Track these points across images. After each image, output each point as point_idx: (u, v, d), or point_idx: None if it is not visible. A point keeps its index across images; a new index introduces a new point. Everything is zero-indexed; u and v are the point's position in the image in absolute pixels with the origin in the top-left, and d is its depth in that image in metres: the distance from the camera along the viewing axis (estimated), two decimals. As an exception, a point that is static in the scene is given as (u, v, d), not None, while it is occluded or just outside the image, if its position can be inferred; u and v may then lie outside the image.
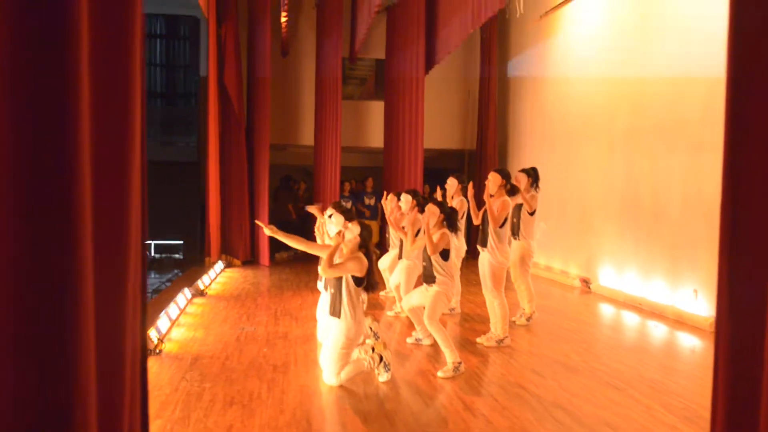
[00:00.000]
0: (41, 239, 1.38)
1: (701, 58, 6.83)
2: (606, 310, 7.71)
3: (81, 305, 1.43)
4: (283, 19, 10.67)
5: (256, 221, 6.23)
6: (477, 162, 12.21)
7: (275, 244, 11.71)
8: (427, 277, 5.23)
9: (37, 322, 1.37)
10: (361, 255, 4.64)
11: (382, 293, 8.10)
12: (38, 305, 1.37)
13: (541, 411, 4.26)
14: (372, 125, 12.60)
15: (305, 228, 10.37)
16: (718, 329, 1.71)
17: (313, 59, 11.63)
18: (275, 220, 12.44)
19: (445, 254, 5.15)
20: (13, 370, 1.35)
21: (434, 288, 5.14)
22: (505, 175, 5.99)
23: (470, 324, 6.73)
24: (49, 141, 1.37)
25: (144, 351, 1.90)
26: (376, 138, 12.39)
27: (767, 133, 1.59)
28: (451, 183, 7.01)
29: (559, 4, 9.76)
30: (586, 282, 8.95)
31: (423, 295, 5.30)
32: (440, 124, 12.57)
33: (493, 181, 5.92)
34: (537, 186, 6.61)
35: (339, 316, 4.66)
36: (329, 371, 4.67)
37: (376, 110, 12.43)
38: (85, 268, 1.45)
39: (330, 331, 4.87)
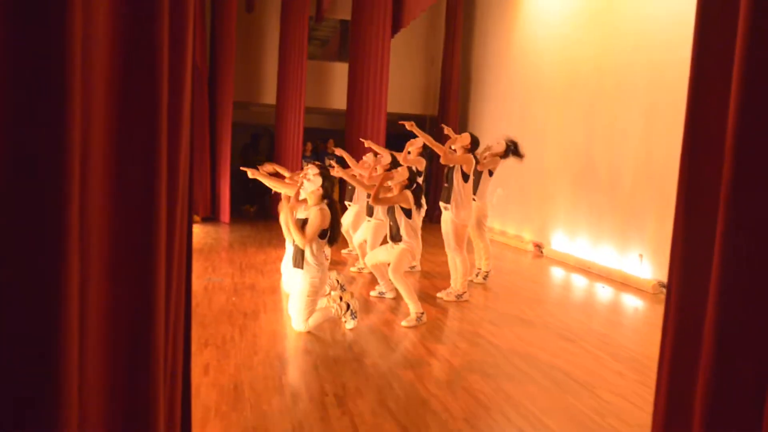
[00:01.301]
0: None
1: (660, 29, 7.15)
2: (557, 273, 8.12)
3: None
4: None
5: (242, 168, 6.38)
6: (437, 126, 12.41)
7: (237, 201, 11.83)
8: (394, 236, 5.44)
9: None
10: (324, 206, 4.80)
11: (344, 251, 8.29)
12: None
13: (498, 357, 4.56)
14: (335, 86, 12.61)
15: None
16: (671, 283, 1.86)
17: (278, 16, 11.51)
18: (242, 176, 12.60)
19: (407, 213, 5.37)
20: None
21: (400, 245, 5.36)
22: (475, 141, 6.21)
23: (430, 281, 7.00)
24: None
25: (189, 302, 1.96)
26: (338, 99, 12.42)
27: (723, 109, 1.68)
28: (415, 143, 7.20)
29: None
30: (539, 246, 9.35)
31: (388, 252, 5.52)
32: (403, 88, 12.69)
33: (462, 138, 6.14)
34: (509, 156, 6.85)
35: (302, 267, 4.83)
36: (298, 318, 4.85)
37: (339, 71, 12.43)
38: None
39: (295, 281, 5.04)
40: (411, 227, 5.38)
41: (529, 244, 9.57)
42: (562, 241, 8.98)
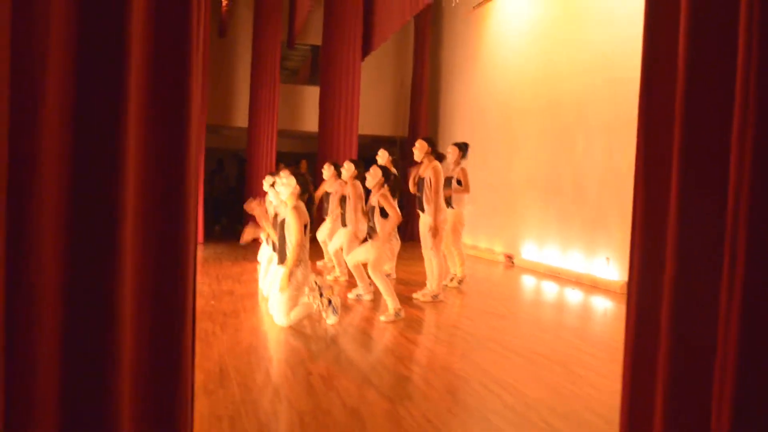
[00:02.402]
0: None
1: (620, 47, 7.56)
2: (528, 280, 8.33)
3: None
4: (224, 1, 10.78)
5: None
6: (408, 148, 12.69)
7: (209, 221, 11.97)
8: (371, 236, 5.60)
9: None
10: (298, 204, 4.95)
11: (319, 263, 8.39)
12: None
13: (475, 344, 4.71)
14: (307, 110, 12.85)
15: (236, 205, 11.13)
16: (630, 279, 2.04)
17: (250, 42, 11.76)
18: (211, 199, 12.88)
19: (383, 213, 5.54)
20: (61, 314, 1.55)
21: (375, 244, 5.52)
22: (431, 143, 6.45)
23: (406, 286, 7.13)
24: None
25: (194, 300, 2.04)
26: (310, 122, 12.65)
27: (672, 127, 1.85)
28: (382, 154, 7.39)
29: (490, -3, 10.39)
30: (509, 258, 9.58)
31: (367, 250, 5.65)
32: (374, 111, 12.98)
33: (419, 148, 6.37)
34: (465, 157, 7.10)
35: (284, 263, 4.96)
36: (279, 312, 4.94)
37: (311, 95, 12.68)
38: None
39: (276, 278, 5.15)
40: (389, 226, 5.54)
41: (501, 256, 9.79)
42: (532, 250, 9.23)
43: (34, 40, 1.44)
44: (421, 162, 6.40)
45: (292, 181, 5.02)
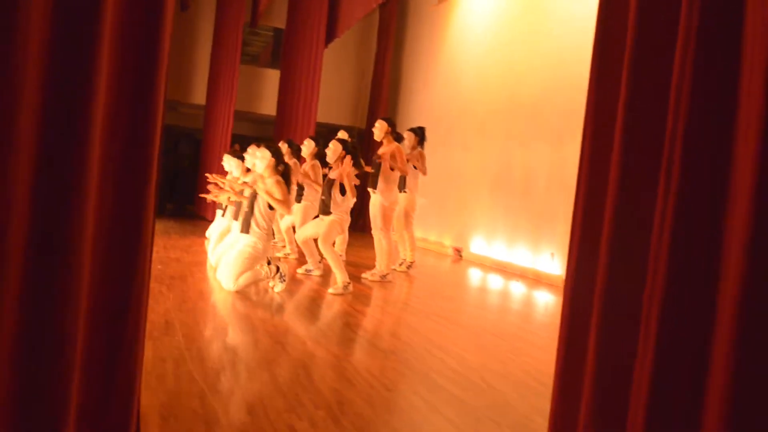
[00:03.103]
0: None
1: (577, 46, 7.83)
2: (475, 273, 8.50)
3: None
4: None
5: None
6: (366, 139, 12.76)
7: (162, 198, 11.72)
8: (325, 211, 5.63)
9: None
10: (279, 177, 4.97)
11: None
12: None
13: (421, 317, 4.79)
14: (265, 92, 12.75)
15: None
16: (568, 274, 2.17)
17: (212, 18, 11.61)
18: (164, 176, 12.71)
19: (342, 189, 5.57)
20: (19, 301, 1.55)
21: (330, 217, 5.55)
22: (391, 123, 6.53)
23: (356, 269, 7.17)
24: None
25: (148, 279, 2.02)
26: (268, 105, 12.56)
27: (614, 131, 1.97)
28: (342, 133, 7.37)
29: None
30: (458, 251, 9.75)
31: (317, 225, 5.68)
32: (333, 99, 12.99)
33: (380, 128, 6.44)
34: (422, 144, 7.20)
35: (248, 232, 4.94)
36: (228, 276, 4.91)
37: (270, 78, 12.60)
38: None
39: (232, 247, 5.12)
40: (344, 204, 5.58)
41: (450, 249, 9.95)
42: (480, 244, 9.42)
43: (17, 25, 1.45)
44: (380, 143, 6.46)
45: (267, 153, 5.03)
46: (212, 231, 6.91)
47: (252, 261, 4.94)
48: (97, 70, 1.60)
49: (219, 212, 7.16)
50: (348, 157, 5.54)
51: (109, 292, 1.81)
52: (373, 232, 6.43)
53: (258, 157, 5.10)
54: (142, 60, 1.79)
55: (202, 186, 11.77)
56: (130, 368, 1.86)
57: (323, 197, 5.71)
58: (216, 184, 6.34)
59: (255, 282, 5.05)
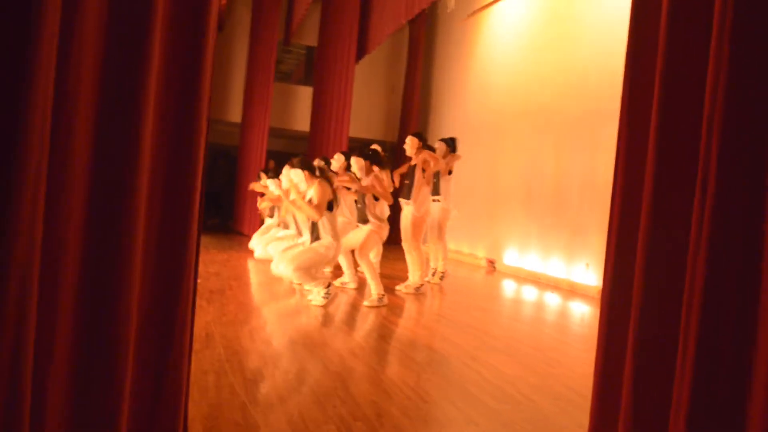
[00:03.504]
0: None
1: (609, 60, 7.80)
2: (509, 284, 8.47)
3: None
4: (224, -6, 10.92)
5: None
6: (397, 153, 12.86)
7: (205, 214, 12.10)
8: (361, 219, 5.71)
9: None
10: (321, 179, 5.09)
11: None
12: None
13: (456, 329, 4.82)
14: (299, 109, 12.97)
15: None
16: (604, 286, 2.17)
17: (247, 38, 11.90)
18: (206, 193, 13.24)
19: (375, 197, 5.66)
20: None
21: (368, 226, 5.62)
22: (422, 138, 6.59)
23: (390, 281, 7.23)
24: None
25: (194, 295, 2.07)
26: (301, 122, 12.78)
27: (648, 138, 1.98)
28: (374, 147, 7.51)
29: (485, 5, 10.64)
30: (491, 262, 9.73)
31: (356, 235, 5.75)
32: (365, 114, 13.14)
33: (410, 144, 6.51)
34: (454, 149, 7.24)
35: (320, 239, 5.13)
36: (289, 262, 5.04)
37: (304, 95, 12.82)
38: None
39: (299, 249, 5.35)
40: (380, 211, 5.65)
41: (483, 260, 9.94)
42: (513, 256, 9.39)
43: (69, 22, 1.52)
44: (412, 157, 6.52)
45: (298, 171, 5.22)
46: (256, 244, 7.23)
47: (319, 260, 5.06)
48: (146, 94, 1.68)
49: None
50: (376, 170, 5.66)
51: (158, 305, 1.89)
52: (403, 243, 6.48)
53: (293, 176, 5.25)
54: (189, 79, 1.86)
55: (240, 202, 12.04)
56: (177, 380, 1.93)
57: (359, 205, 5.79)
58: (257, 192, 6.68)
59: (307, 280, 5.11)
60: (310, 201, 5.12)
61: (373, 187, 5.55)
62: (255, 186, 7.01)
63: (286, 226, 7.67)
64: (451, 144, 7.21)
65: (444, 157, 7.12)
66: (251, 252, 8.47)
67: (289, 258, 5.11)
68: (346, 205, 6.74)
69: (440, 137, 12.28)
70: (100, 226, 1.65)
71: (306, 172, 5.19)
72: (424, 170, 6.31)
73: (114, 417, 1.67)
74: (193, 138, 1.86)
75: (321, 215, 5.07)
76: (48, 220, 1.48)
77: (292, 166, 5.55)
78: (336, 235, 5.18)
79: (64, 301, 1.59)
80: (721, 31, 1.68)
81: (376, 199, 5.62)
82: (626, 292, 2.03)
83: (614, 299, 2.12)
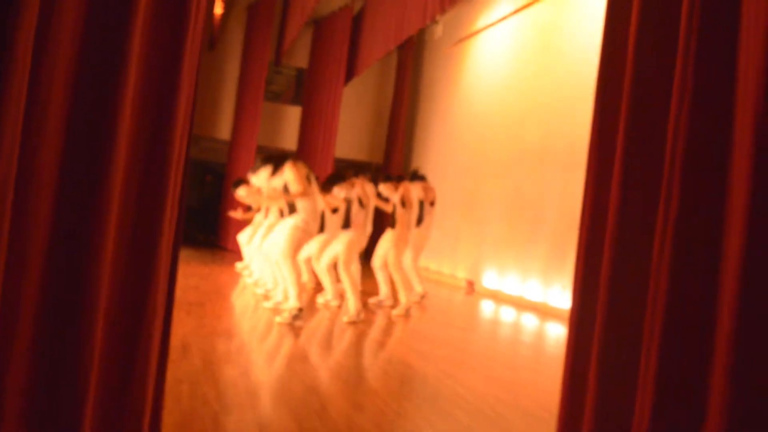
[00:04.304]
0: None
1: (589, 90, 8.04)
2: (487, 305, 8.60)
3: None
4: (218, 10, 11.11)
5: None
6: (382, 174, 13.04)
7: (193, 229, 12.13)
8: (345, 225, 5.83)
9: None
10: (291, 162, 5.14)
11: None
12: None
13: (435, 346, 4.92)
14: (287, 128, 13.14)
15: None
16: (571, 310, 2.24)
17: (239, 57, 12.08)
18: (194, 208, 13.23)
19: (360, 202, 5.78)
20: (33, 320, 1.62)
21: (348, 235, 5.70)
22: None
23: (368, 297, 7.32)
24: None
25: (170, 306, 2.07)
26: (289, 140, 12.93)
27: (615, 159, 2.07)
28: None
29: (471, 34, 10.92)
30: (471, 284, 9.85)
31: (335, 247, 5.82)
32: (352, 135, 13.31)
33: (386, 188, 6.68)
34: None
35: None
36: (281, 246, 5.08)
37: (292, 114, 12.99)
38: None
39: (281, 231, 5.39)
40: (359, 214, 5.75)
41: (462, 281, 10.07)
42: (492, 278, 9.53)
43: (48, 44, 1.55)
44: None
45: (266, 165, 5.27)
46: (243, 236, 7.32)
47: (302, 236, 5.08)
48: (122, 104, 1.70)
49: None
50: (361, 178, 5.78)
51: (125, 318, 1.86)
52: (390, 269, 6.49)
53: (255, 181, 5.28)
54: (164, 95, 1.87)
55: (225, 218, 12.11)
56: (141, 391, 1.89)
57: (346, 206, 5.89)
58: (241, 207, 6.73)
59: (287, 281, 5.13)
60: (285, 187, 5.12)
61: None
62: (235, 214, 7.13)
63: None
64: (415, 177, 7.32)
65: (425, 187, 7.24)
66: (233, 266, 8.54)
67: (276, 246, 5.09)
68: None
69: (425, 158, 12.53)
70: (67, 236, 1.65)
71: (271, 167, 5.21)
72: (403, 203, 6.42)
73: (78, 410, 1.66)
74: (166, 150, 1.87)
75: (307, 193, 4.99)
76: (14, 224, 1.48)
77: (253, 171, 5.61)
78: (315, 216, 5.14)
79: (25, 311, 1.59)
80: (685, 56, 1.79)
81: (362, 206, 5.72)
82: (592, 310, 2.10)
83: (580, 317, 2.19)
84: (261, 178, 5.50)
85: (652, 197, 1.93)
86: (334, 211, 5.78)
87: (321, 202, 5.51)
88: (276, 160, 5.23)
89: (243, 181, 7.11)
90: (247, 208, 7.83)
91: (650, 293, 1.84)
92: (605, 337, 2.01)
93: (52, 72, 1.56)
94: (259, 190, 6.79)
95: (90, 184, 1.65)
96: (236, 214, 7.75)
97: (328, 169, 11.96)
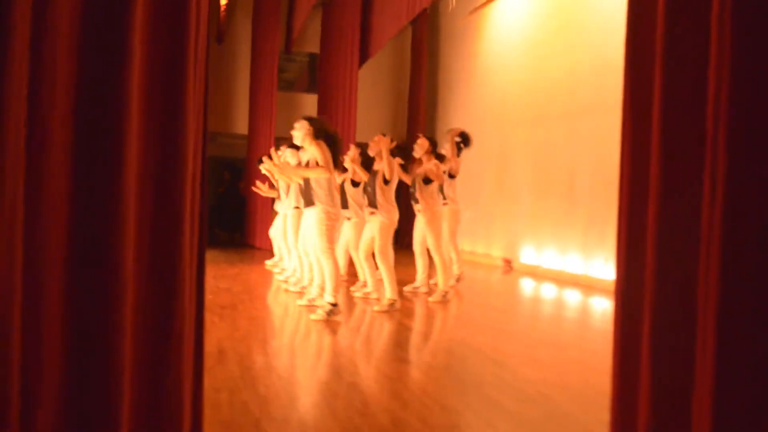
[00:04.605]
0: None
1: (614, 53, 7.66)
2: (527, 283, 8.33)
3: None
4: (223, 1, 10.88)
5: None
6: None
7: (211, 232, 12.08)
8: (371, 202, 5.59)
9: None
10: (320, 140, 4.79)
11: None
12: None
13: (474, 331, 4.70)
14: (305, 118, 12.93)
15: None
16: (616, 283, 2.06)
17: (248, 48, 11.86)
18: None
19: (385, 180, 5.53)
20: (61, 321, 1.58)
21: (378, 218, 5.45)
22: (433, 142, 6.45)
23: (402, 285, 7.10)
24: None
25: (201, 306, 2.00)
26: (308, 130, 12.72)
27: (651, 126, 1.91)
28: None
29: (486, 2, 10.52)
30: (508, 262, 9.59)
31: (370, 232, 5.59)
32: (371, 118, 13.05)
33: (420, 144, 6.37)
34: (464, 147, 7.07)
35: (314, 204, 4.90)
36: (315, 231, 4.86)
37: (309, 103, 12.77)
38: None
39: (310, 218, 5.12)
40: (388, 196, 5.49)
41: (499, 260, 9.80)
42: (530, 254, 9.25)
43: (44, 47, 1.49)
44: (419, 159, 6.38)
45: (304, 124, 4.94)
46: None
47: (331, 224, 4.88)
48: (127, 106, 1.61)
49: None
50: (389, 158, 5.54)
51: (151, 316, 1.79)
52: (432, 252, 6.20)
53: (297, 128, 4.95)
54: (170, 94, 1.78)
55: (251, 215, 11.99)
56: (177, 400, 1.84)
57: (369, 188, 5.66)
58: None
59: (325, 273, 4.90)
60: (308, 164, 4.88)
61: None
62: (260, 189, 7.17)
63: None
64: (465, 139, 7.04)
65: (453, 153, 6.96)
66: (262, 264, 8.41)
67: (312, 231, 4.87)
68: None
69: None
70: (85, 243, 1.59)
71: (310, 129, 4.89)
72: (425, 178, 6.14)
73: (113, 415, 1.61)
74: (179, 147, 1.77)
75: (331, 171, 4.76)
76: (29, 235, 1.43)
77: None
78: (333, 201, 4.86)
79: (50, 322, 1.54)
80: (722, 9, 1.61)
81: (386, 182, 5.47)
82: (639, 286, 1.95)
83: (627, 295, 2.05)
84: (298, 135, 5.13)
85: (695, 155, 1.76)
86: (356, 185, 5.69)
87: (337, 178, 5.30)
88: (314, 126, 4.94)
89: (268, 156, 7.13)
90: (272, 186, 7.71)
91: (701, 260, 1.67)
92: (656, 309, 1.84)
93: (53, 76, 1.50)
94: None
95: (103, 187, 1.60)
96: (261, 189, 7.69)
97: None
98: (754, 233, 1.58)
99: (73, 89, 1.56)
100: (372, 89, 13.01)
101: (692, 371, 1.74)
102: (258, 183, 7.89)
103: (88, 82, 1.59)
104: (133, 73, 1.64)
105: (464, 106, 11.69)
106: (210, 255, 9.79)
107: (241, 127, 12.28)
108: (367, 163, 6.24)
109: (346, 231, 6.81)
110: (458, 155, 7.02)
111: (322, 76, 11.99)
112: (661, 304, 1.86)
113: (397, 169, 5.58)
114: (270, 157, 5.87)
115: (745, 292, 1.58)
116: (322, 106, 11.91)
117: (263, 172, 6.65)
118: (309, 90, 13.37)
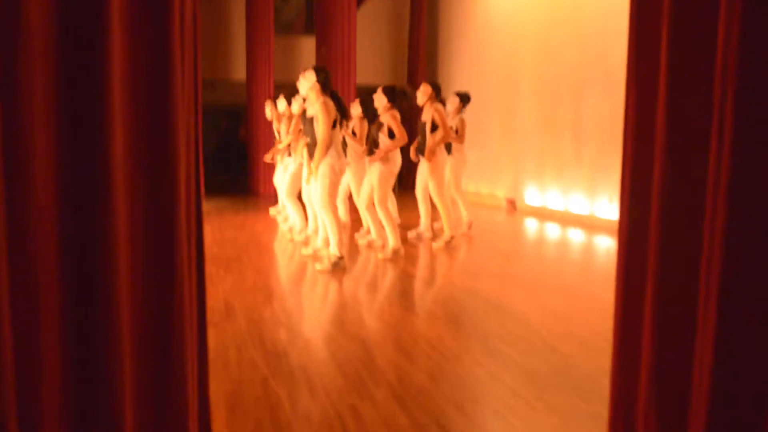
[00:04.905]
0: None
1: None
2: (531, 223, 8.35)
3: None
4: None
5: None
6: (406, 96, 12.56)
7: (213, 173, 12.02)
8: (371, 148, 5.56)
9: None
10: (326, 99, 4.77)
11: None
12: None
13: (479, 278, 4.73)
14: (303, 62, 12.67)
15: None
16: (620, 225, 2.05)
17: (243, -8, 11.53)
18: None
19: (390, 133, 5.46)
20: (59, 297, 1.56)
21: (376, 166, 5.42)
22: (436, 88, 6.32)
23: (403, 230, 7.13)
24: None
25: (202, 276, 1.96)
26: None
27: (659, 69, 1.87)
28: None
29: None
30: (512, 202, 9.57)
31: (369, 180, 5.55)
32: (371, 60, 12.79)
33: (423, 91, 6.24)
34: (464, 108, 6.97)
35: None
36: (321, 197, 4.88)
37: (307, 46, 12.50)
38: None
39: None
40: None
41: (503, 201, 9.79)
42: (534, 194, 9.22)
43: (19, 27, 1.43)
44: (422, 106, 6.28)
45: (312, 76, 4.87)
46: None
47: (335, 179, 4.87)
48: (110, 87, 1.57)
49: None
50: (395, 109, 5.48)
51: (151, 288, 1.77)
52: (435, 200, 6.19)
53: (304, 77, 4.90)
54: (155, 74, 1.70)
55: (252, 161, 11.92)
56: (181, 361, 1.80)
57: (373, 137, 5.62)
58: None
59: (337, 220, 4.93)
60: (312, 123, 4.87)
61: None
62: (268, 157, 7.25)
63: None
64: (464, 100, 6.91)
65: (456, 111, 6.86)
66: (266, 212, 8.42)
67: (317, 196, 4.87)
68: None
69: (451, 77, 12.00)
70: (75, 209, 1.57)
71: (316, 84, 4.81)
72: (433, 125, 6.04)
73: (118, 420, 1.62)
74: (169, 98, 1.70)
75: (328, 138, 4.76)
76: (17, 226, 1.42)
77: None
78: (339, 152, 4.86)
79: (47, 299, 1.53)
80: None
81: (391, 136, 5.41)
82: (643, 230, 1.93)
83: (631, 232, 2.02)
84: (303, 86, 5.04)
85: (701, 97, 1.72)
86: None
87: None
88: (322, 75, 4.86)
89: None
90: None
91: (708, 202, 1.65)
92: (660, 251, 1.83)
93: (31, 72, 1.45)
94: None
95: (89, 135, 1.56)
96: (269, 157, 7.46)
97: (351, 97, 11.56)
98: (762, 172, 1.55)
99: (53, 66, 1.50)
100: (372, 30, 12.74)
101: (695, 313, 1.73)
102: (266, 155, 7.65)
103: (69, 65, 1.53)
104: (113, 55, 1.58)
105: (467, 46, 11.41)
106: (214, 203, 9.86)
107: (239, 72, 12.07)
108: (371, 116, 6.16)
109: (346, 179, 6.79)
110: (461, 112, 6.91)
111: (319, 17, 11.66)
112: (664, 246, 1.84)
113: (398, 118, 5.49)
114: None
115: (751, 232, 1.56)
116: (320, 48, 11.65)
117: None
118: (307, 31, 13.04)
